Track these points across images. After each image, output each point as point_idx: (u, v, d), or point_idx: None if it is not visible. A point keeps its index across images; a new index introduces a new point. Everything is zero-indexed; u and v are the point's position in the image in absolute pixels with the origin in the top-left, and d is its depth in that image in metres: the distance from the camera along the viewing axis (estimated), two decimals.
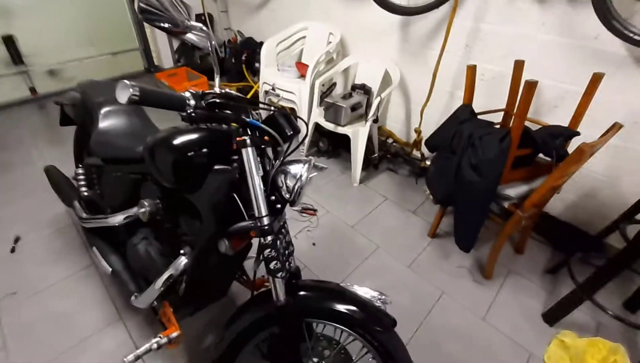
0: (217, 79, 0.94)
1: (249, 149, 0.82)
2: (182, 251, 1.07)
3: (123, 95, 0.64)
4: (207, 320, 1.43)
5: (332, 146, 2.48)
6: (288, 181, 0.89)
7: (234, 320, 0.95)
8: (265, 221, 0.83)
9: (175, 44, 3.53)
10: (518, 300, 1.56)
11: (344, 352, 1.03)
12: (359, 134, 2.10)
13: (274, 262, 0.83)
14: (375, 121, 2.16)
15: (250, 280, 1.32)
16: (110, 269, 1.29)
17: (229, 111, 0.86)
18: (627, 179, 1.61)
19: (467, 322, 1.46)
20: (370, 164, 2.41)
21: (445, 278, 1.65)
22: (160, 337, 1.03)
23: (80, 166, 1.51)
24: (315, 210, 2.03)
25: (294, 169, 0.89)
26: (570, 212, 1.85)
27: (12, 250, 1.69)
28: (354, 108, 2.10)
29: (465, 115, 1.53)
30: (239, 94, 0.87)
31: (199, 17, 3.37)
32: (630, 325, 1.35)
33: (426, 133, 2.08)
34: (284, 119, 0.93)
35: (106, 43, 3.32)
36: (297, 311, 0.87)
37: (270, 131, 0.84)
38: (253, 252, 1.00)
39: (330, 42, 2.43)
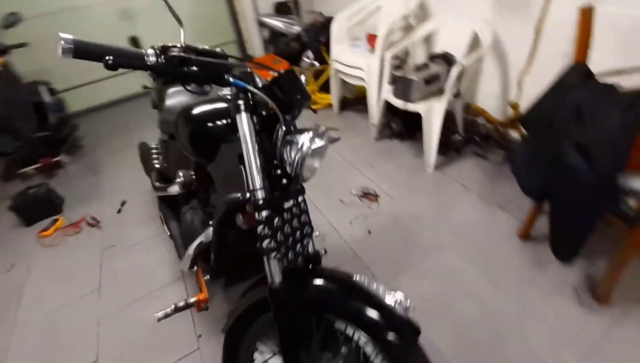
0: (182, 34, 0.82)
1: (243, 114, 0.74)
2: (210, 222, 1.09)
3: (58, 47, 0.59)
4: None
5: (406, 127, 2.20)
6: (291, 153, 0.78)
7: (245, 294, 0.91)
8: (259, 194, 0.74)
9: (264, 34, 3.72)
10: None
11: (362, 356, 0.87)
12: (432, 111, 1.79)
13: (267, 241, 0.74)
14: (457, 95, 1.80)
15: None
16: (169, 233, 1.43)
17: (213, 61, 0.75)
18: None
19: (559, 358, 1.08)
20: (452, 148, 2.04)
21: (536, 295, 1.26)
22: (184, 300, 1.08)
23: (156, 143, 1.72)
24: (377, 195, 1.84)
25: (299, 139, 0.77)
26: None
27: (119, 211, 2.07)
28: (428, 81, 1.79)
29: (573, 78, 1.11)
30: (217, 50, 0.78)
31: (284, 5, 3.46)
32: None
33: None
34: (291, 82, 0.81)
35: (209, 37, 3.73)
36: (293, 299, 0.76)
37: (255, 91, 0.73)
38: None
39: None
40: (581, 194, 1.00)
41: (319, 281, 0.79)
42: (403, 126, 2.18)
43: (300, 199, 0.86)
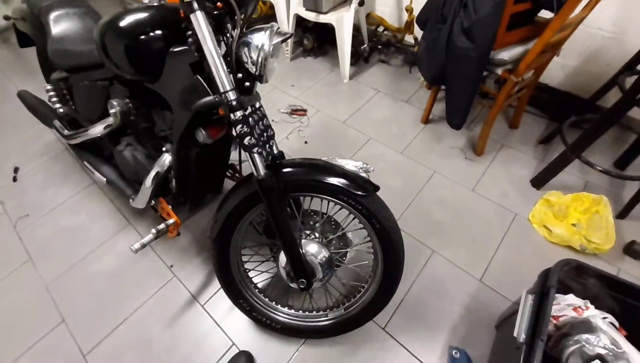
0: None
1: (198, 14, 0.74)
2: (164, 149, 1.08)
3: None
4: (208, 217, 1.52)
5: (318, 42, 2.28)
6: (252, 53, 0.82)
7: (224, 202, 0.99)
8: (231, 95, 0.79)
9: None
10: (508, 171, 1.59)
11: (333, 222, 1.09)
12: (343, 21, 1.90)
13: (248, 138, 0.82)
14: (361, 3, 1.93)
15: (243, 176, 1.36)
16: (105, 179, 1.33)
17: None
18: (635, 33, 1.47)
19: (456, 194, 1.52)
20: (361, 58, 2.24)
21: (438, 160, 1.66)
22: (158, 226, 1.11)
23: (49, 83, 1.44)
24: (304, 110, 1.97)
25: (255, 39, 0.81)
26: (570, 80, 1.75)
27: (14, 179, 1.74)
28: None
29: None
30: None
31: None
32: (616, 177, 1.38)
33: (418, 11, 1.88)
34: None
35: None
36: (280, 185, 0.89)
37: None
38: None
39: None
40: (467, 69, 1.31)
41: (294, 168, 0.93)
42: (315, 41, 2.25)
43: (258, 104, 0.93)
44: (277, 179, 0.88)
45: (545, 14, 1.38)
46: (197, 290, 1.30)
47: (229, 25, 0.86)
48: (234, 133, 0.93)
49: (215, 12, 0.79)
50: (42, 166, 1.81)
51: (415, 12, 1.90)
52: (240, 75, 0.84)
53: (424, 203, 1.50)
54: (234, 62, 0.83)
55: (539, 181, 1.49)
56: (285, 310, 1.12)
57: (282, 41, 0.84)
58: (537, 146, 1.68)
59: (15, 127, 2.04)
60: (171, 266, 1.38)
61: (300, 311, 1.13)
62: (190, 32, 0.83)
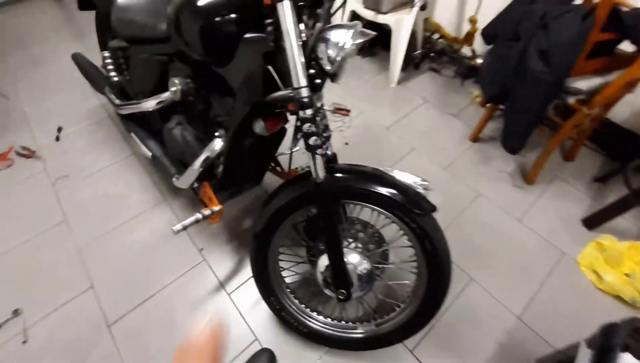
0: None
1: (285, 3, 0.70)
2: (216, 134, 1.05)
3: None
4: (244, 206, 1.50)
5: (369, 42, 2.21)
6: (330, 51, 0.78)
7: (272, 198, 0.96)
8: (304, 92, 0.75)
9: None
10: (559, 206, 1.50)
11: (377, 235, 1.05)
12: (402, 24, 1.83)
13: (314, 138, 0.78)
14: (423, 8, 1.85)
15: (285, 170, 1.33)
16: (150, 154, 1.33)
17: None
18: None
19: (501, 222, 1.44)
20: (411, 63, 2.17)
21: (484, 182, 1.59)
22: (202, 212, 1.09)
23: (107, 50, 1.45)
24: (348, 110, 1.92)
25: (337, 36, 0.77)
26: (638, 119, 1.63)
27: (57, 139, 1.78)
28: None
29: None
30: None
31: None
32: None
33: (484, 24, 1.79)
34: None
35: None
36: (334, 191, 0.85)
37: None
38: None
39: None
40: (536, 93, 1.23)
41: (350, 175, 0.89)
42: (366, 40, 2.18)
43: (320, 103, 0.90)
44: (338, 184, 0.85)
45: (624, 46, 1.28)
46: (225, 278, 1.29)
47: (304, 17, 0.82)
48: (299, 131, 0.90)
49: (300, 3, 0.75)
50: (84, 130, 1.84)
51: (480, 25, 1.82)
52: (312, 71, 0.81)
53: (465, 225, 1.43)
54: (309, 57, 0.79)
55: (592, 222, 1.40)
56: (315, 315, 1.09)
57: (363, 42, 0.80)
58: (592, 184, 1.58)
59: (63, 87, 2.08)
60: (201, 249, 1.37)
61: (329, 319, 1.10)
62: (269, 21, 0.79)
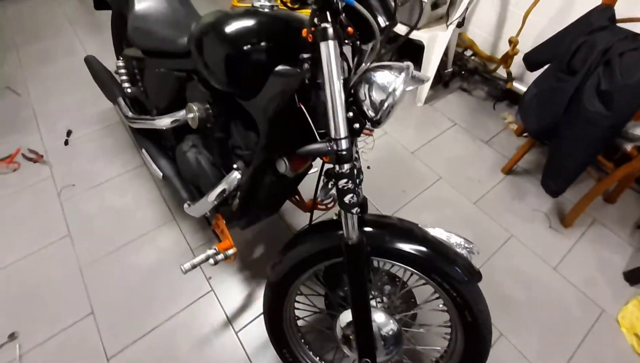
0: None
1: (331, 42, 0.59)
2: (235, 166, 0.95)
3: None
4: (257, 231, 1.41)
5: (397, 55, 2.09)
6: (374, 94, 0.67)
7: (293, 246, 0.86)
8: (344, 144, 0.65)
9: None
10: (598, 253, 1.37)
11: (407, 293, 0.94)
12: (436, 41, 1.71)
13: (350, 195, 0.68)
14: (460, 25, 1.72)
15: (304, 200, 1.23)
16: (161, 174, 1.24)
17: None
18: None
19: (535, 269, 1.32)
20: (441, 81, 2.04)
21: (517, 221, 1.46)
22: (215, 250, 1.00)
23: (121, 58, 1.36)
24: (371, 130, 1.81)
25: (385, 78, 0.66)
26: None
27: (66, 143, 1.70)
28: (435, 5, 1.66)
29: (602, 21, 1.12)
30: None
31: None
32: None
33: (524, 46, 1.65)
34: (376, 2, 0.66)
35: None
36: (366, 249, 0.75)
37: (369, 16, 0.59)
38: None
39: None
40: (592, 137, 1.10)
41: (384, 230, 0.79)
42: (394, 55, 2.06)
43: (356, 148, 0.79)
44: (369, 242, 0.75)
45: None
46: (233, 313, 1.20)
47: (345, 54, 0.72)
48: (328, 178, 0.80)
49: (346, 41, 0.64)
50: (95, 135, 1.76)
51: (521, 47, 1.68)
52: (350, 114, 0.70)
53: (497, 270, 1.31)
54: (347, 98, 0.68)
55: (636, 277, 1.27)
56: None
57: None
58: (636, 231, 1.44)
59: (75, 86, 2.00)
60: (210, 277, 1.28)
61: None
62: (306, 56, 0.69)
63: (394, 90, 0.64)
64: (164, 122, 1.12)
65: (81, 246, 1.35)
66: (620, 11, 1.19)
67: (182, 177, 1.21)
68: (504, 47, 1.86)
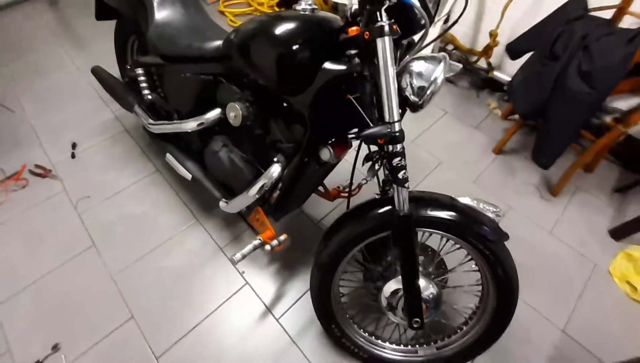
0: None
1: (387, 38, 0.69)
2: (275, 159, 1.02)
3: None
4: (280, 225, 1.47)
5: None
6: (416, 82, 0.78)
7: (338, 229, 0.95)
8: (397, 126, 0.75)
9: None
10: (585, 217, 1.56)
11: (439, 259, 1.05)
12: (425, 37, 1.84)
13: (403, 171, 0.78)
14: (447, 20, 1.87)
15: (328, 190, 1.31)
16: (190, 176, 1.27)
17: None
18: None
19: (535, 235, 1.49)
20: None
21: (512, 195, 1.63)
22: (260, 240, 1.06)
23: (130, 66, 1.38)
24: None
25: (422, 67, 0.77)
26: None
27: (73, 156, 1.68)
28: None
29: (577, 11, 1.29)
30: None
31: None
32: None
33: (501, 38, 1.83)
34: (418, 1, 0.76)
35: None
36: (413, 220, 0.85)
37: (423, 13, 0.69)
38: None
39: None
40: (576, 113, 1.27)
41: (426, 203, 0.89)
42: None
43: None
44: (416, 214, 0.85)
45: None
46: (271, 302, 1.26)
47: None
48: (374, 160, 0.89)
49: (395, 37, 0.74)
50: (101, 146, 1.75)
51: (499, 39, 1.86)
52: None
53: None
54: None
55: (619, 233, 1.46)
56: (374, 340, 1.09)
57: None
58: (613, 195, 1.65)
59: (71, 98, 1.97)
60: (243, 272, 1.33)
61: (387, 343, 1.10)
62: (353, 52, 0.78)
63: (435, 78, 0.75)
64: (191, 125, 1.16)
65: (108, 255, 1.36)
66: (592, 0, 1.37)
67: (212, 177, 1.25)
68: (482, 40, 2.04)
